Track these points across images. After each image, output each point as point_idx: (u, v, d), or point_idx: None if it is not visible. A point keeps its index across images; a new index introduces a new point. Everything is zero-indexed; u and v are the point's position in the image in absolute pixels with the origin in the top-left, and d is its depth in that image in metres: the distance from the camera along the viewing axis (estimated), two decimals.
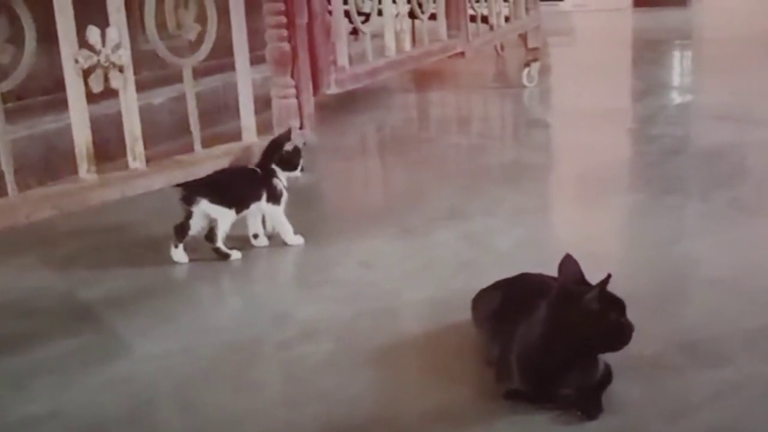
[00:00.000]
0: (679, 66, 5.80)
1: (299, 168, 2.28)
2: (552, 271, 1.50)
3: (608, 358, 1.47)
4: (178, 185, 2.18)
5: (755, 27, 7.03)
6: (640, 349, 1.48)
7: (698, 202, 2.62)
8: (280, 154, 2.25)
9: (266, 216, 2.29)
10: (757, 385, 1.52)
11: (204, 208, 2.17)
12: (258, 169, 2.27)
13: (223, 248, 2.20)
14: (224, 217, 2.20)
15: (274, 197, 2.24)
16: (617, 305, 1.42)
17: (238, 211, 2.22)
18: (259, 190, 2.24)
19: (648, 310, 1.70)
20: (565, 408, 1.43)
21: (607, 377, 1.48)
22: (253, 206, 2.24)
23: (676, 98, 4.46)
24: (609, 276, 1.39)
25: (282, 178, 2.27)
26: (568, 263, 1.47)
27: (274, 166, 2.26)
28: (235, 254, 2.22)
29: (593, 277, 1.45)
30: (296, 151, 2.26)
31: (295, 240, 2.27)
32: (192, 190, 2.18)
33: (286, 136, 2.29)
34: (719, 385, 1.51)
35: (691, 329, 1.74)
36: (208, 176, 2.24)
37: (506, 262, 2.05)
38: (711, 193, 2.64)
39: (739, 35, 6.50)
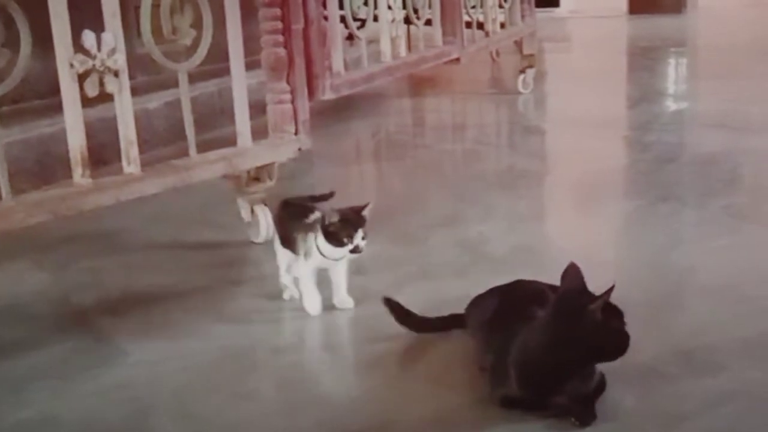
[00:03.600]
0: (674, 73, 5.81)
1: (349, 244, 1.84)
2: (547, 277, 1.50)
3: (603, 365, 1.47)
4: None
5: (750, 34, 7.05)
6: (634, 356, 1.48)
7: (693, 210, 2.63)
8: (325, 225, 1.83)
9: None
10: (752, 392, 1.52)
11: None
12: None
13: (281, 282, 2.00)
14: (278, 252, 2.00)
15: (305, 254, 1.88)
16: (618, 315, 1.43)
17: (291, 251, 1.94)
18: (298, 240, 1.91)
19: (643, 317, 1.70)
20: (560, 415, 1.43)
21: (602, 385, 1.48)
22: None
23: (671, 105, 4.46)
24: (613, 286, 1.39)
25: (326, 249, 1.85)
26: (572, 272, 1.47)
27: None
28: (287, 294, 1.99)
29: (590, 285, 1.45)
30: (343, 223, 1.83)
31: (309, 307, 1.91)
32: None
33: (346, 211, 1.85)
34: (714, 393, 1.51)
35: (686, 336, 1.74)
36: (290, 208, 1.98)
37: (501, 269, 2.05)
38: (706, 201, 2.65)
39: (734, 42, 6.52)
